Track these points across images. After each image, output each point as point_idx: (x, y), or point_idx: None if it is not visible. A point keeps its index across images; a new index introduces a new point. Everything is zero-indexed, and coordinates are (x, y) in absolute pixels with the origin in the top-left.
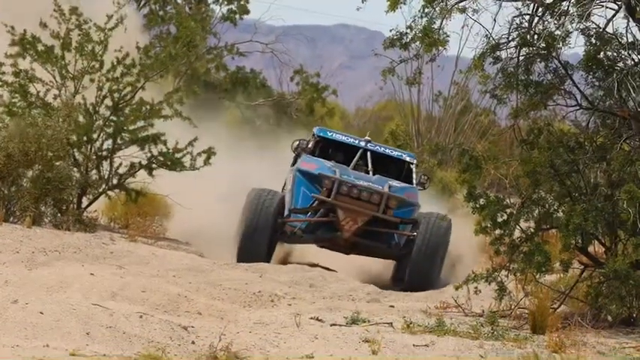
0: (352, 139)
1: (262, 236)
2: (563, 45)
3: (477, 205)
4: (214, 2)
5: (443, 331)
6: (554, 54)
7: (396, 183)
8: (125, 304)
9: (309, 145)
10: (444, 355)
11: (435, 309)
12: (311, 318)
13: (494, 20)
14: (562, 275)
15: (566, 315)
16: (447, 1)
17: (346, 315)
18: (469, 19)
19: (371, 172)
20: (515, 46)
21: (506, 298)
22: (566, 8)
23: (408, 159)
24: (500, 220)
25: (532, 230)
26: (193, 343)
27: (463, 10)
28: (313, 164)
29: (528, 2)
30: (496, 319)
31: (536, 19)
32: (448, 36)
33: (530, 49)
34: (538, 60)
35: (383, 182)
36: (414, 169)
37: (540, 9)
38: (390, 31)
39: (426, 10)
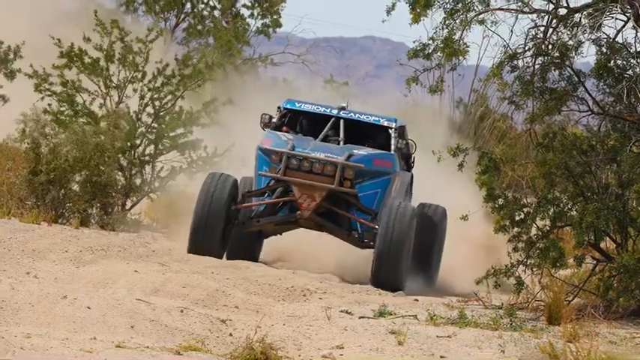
0: (323, 108)
1: (215, 226)
2: (575, 54)
3: (496, 205)
4: (250, 16)
5: (464, 322)
6: (567, 63)
7: (362, 151)
8: (167, 299)
9: (274, 120)
10: (465, 345)
11: (457, 302)
12: (341, 311)
13: (512, 31)
14: (576, 270)
15: (579, 307)
16: (466, 13)
17: (374, 308)
18: (488, 31)
19: (342, 143)
20: (531, 56)
21: (523, 291)
22: (578, 20)
23: (386, 123)
24: (517, 218)
25: (548, 228)
26: (231, 335)
27: (482, 22)
28: (270, 140)
29: (543, 14)
30: (514, 312)
31: (551, 30)
32: (468, 46)
33: (545, 58)
34: (552, 68)
35: (343, 151)
36: (392, 135)
37: (554, 21)
38: (414, 42)
39: (447, 22)
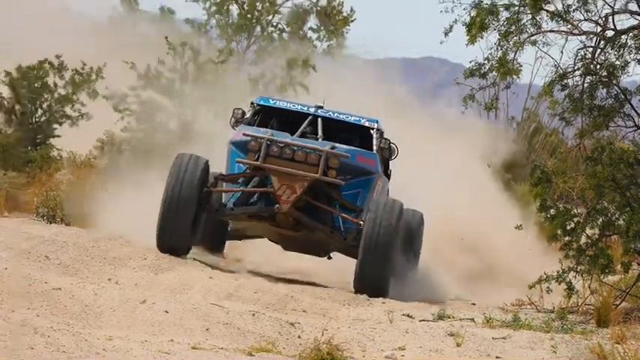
0: (300, 106)
1: (186, 211)
2: (622, 73)
3: (549, 215)
4: (317, 39)
5: (518, 325)
6: (614, 81)
7: (344, 146)
8: (239, 303)
9: (246, 116)
10: (519, 346)
11: (512, 306)
12: (402, 315)
13: (562, 52)
14: (623, 276)
15: (626, 310)
16: (519, 35)
17: (433, 312)
18: (540, 52)
19: (320, 139)
20: (580, 75)
21: (574, 296)
22: (624, 41)
23: (367, 124)
24: (568, 227)
25: (596, 236)
26: (299, 337)
27: (534, 44)
28: (245, 132)
29: (591, 36)
30: (565, 315)
31: (599, 50)
32: (521, 66)
33: (594, 77)
34: (600, 87)
35: (325, 144)
36: (374, 135)
37: (602, 42)
38: (470, 62)
39: (502, 43)
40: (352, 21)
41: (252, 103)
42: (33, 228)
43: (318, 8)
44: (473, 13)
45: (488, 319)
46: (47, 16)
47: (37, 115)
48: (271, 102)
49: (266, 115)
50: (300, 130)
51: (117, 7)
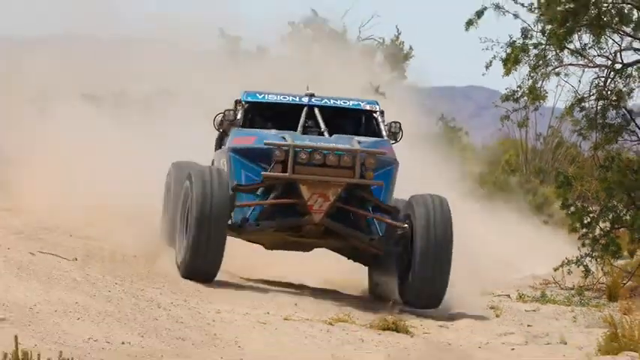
0: (292, 97)
1: (220, 232)
2: (628, 98)
3: (569, 212)
4: (382, 72)
5: (545, 300)
6: (622, 104)
7: (362, 138)
8: (324, 284)
9: (238, 117)
10: (546, 317)
11: (539, 285)
12: None
13: (580, 81)
14: (629, 260)
15: (632, 288)
16: (545, 68)
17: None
18: (562, 80)
19: (326, 133)
20: (595, 99)
21: (590, 276)
22: (630, 72)
23: (368, 107)
24: (585, 221)
25: (608, 229)
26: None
27: (558, 74)
28: (249, 137)
29: (603, 68)
30: (583, 292)
31: (609, 80)
32: (547, 92)
33: (605, 101)
34: (611, 109)
35: (348, 140)
36: (379, 118)
37: (612, 73)
38: (506, 89)
39: (531, 74)
40: (411, 57)
41: (238, 102)
42: None
43: (384, 47)
44: (508, 51)
45: (521, 295)
46: (159, 52)
47: None
48: (259, 97)
49: (257, 112)
50: (300, 125)
51: (222, 45)
